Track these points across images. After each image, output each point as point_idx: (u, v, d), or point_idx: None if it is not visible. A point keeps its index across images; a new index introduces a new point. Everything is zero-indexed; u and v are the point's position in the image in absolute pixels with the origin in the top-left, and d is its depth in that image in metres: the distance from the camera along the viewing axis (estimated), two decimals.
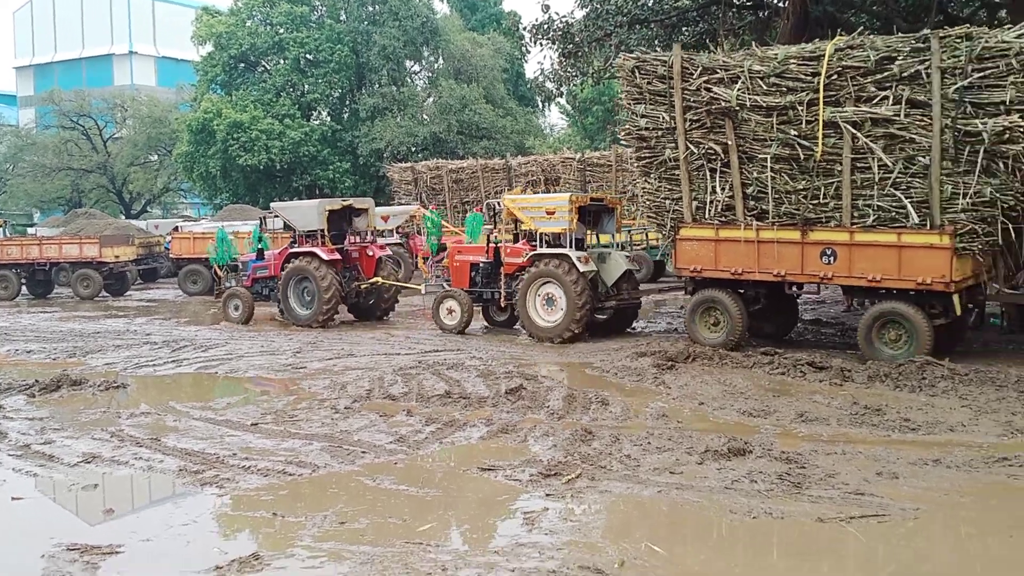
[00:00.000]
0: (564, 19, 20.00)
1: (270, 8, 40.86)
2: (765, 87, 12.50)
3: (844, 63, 11.87)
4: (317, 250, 17.98)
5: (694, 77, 13.08)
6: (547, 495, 6.84)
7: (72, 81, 65.43)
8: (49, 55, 77.97)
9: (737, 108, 12.67)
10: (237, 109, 38.08)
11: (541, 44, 20.38)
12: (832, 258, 12.38)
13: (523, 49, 21.96)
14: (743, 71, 12.63)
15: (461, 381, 11.45)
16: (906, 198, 11.72)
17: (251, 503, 6.90)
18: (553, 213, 15.32)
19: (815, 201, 12.44)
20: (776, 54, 12.51)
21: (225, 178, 39.83)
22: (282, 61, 40.71)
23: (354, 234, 19.18)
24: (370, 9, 41.05)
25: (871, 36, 12.11)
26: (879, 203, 11.95)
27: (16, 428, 9.38)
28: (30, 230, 42.97)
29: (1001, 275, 12.47)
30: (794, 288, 13.51)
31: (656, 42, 19.92)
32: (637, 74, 13.65)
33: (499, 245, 16.62)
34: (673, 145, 13.43)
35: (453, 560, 5.64)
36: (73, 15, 76.86)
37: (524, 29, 20.77)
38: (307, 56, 40.46)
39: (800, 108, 12.20)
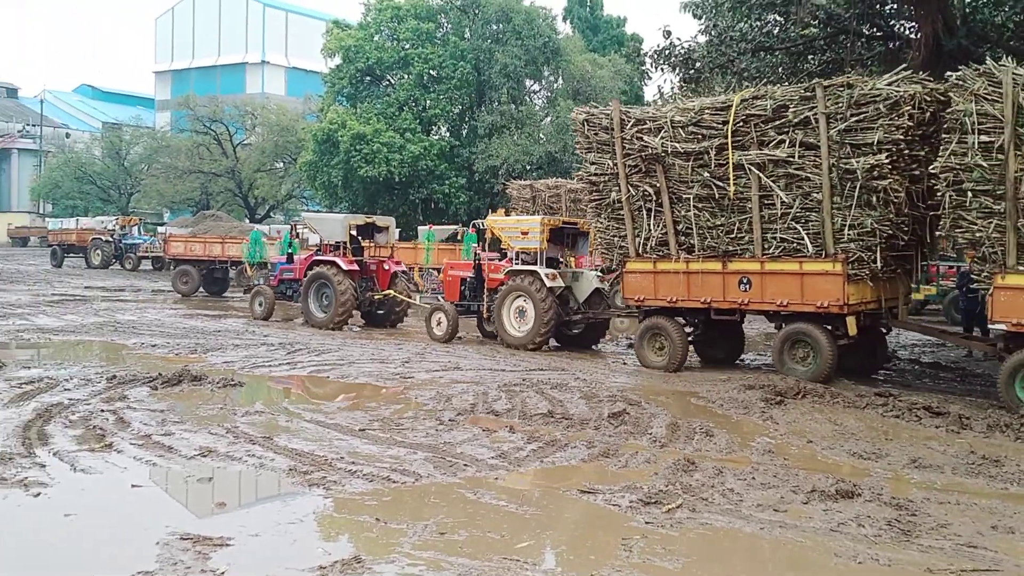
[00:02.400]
0: (686, 44, 19.89)
1: (398, 24, 41.85)
2: (684, 135, 14.07)
3: (748, 112, 13.38)
4: (338, 259, 19.79)
5: (628, 128, 14.67)
6: (647, 523, 6.79)
7: (207, 87, 68.36)
8: (186, 61, 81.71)
9: (664, 154, 14.20)
10: (361, 121, 39.05)
11: (662, 69, 20.29)
12: (748, 286, 13.87)
13: (643, 73, 21.89)
14: (667, 121, 14.20)
15: (564, 401, 11.47)
16: (804, 230, 13.20)
17: (355, 507, 7.07)
18: (527, 233, 17.01)
19: (731, 235, 13.95)
20: (693, 106, 14.15)
21: (346, 188, 40.83)
22: (406, 76, 41.57)
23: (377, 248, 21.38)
24: (494, 28, 41.64)
25: (771, 87, 13.74)
26: (782, 236, 13.45)
27: (138, 418, 9.83)
28: (160, 229, 44.95)
29: (901, 301, 14.03)
30: (737, 315, 14.65)
31: (780, 70, 19.62)
32: (587, 126, 15.35)
33: (483, 262, 18.29)
34: (617, 188, 15.01)
35: None
36: (210, 24, 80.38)
37: (645, 54, 20.72)
38: (430, 72, 41.24)
39: (713, 153, 13.76)
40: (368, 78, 42.67)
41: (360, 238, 21.14)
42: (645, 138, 14.44)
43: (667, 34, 19.66)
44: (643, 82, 45.95)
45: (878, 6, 18.43)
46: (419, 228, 31.54)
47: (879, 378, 14.71)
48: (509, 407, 11.03)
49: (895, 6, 18.74)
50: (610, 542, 6.46)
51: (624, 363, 15.70)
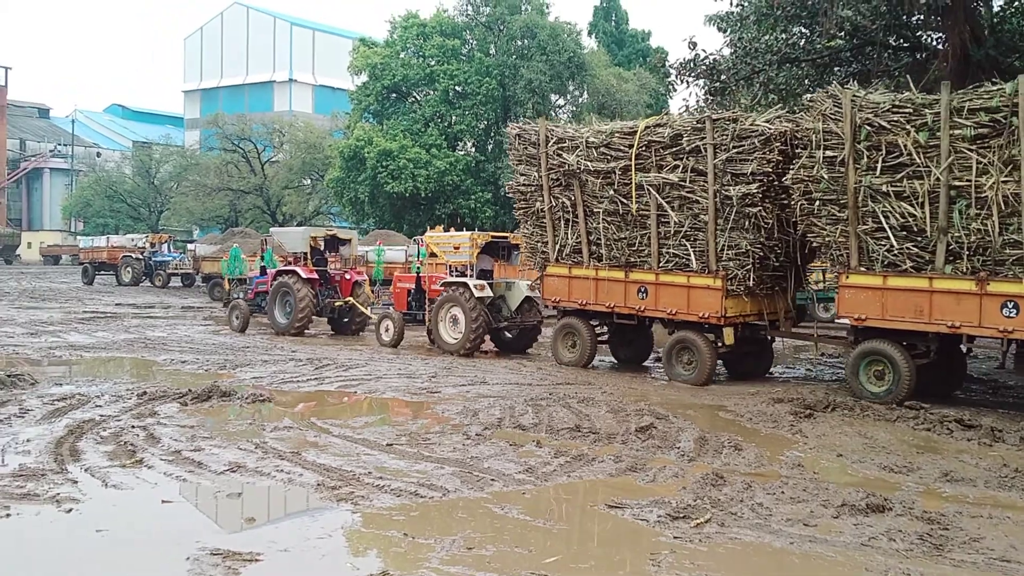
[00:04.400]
0: (711, 56, 19.86)
1: (423, 41, 42.11)
2: (597, 155, 15.41)
3: (650, 138, 14.69)
4: (298, 269, 21.09)
5: (551, 144, 16.02)
6: (675, 538, 6.76)
7: (235, 106, 69.00)
8: (215, 80, 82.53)
9: (578, 171, 15.56)
10: (387, 138, 39.27)
11: (687, 81, 20.27)
12: (645, 294, 15.25)
13: (669, 86, 21.92)
14: (583, 141, 15.56)
15: (591, 415, 11.45)
16: (692, 248, 14.57)
17: (383, 522, 7.09)
18: (459, 248, 18.42)
19: (633, 248, 15.35)
20: (605, 129, 15.56)
21: (373, 204, 41.04)
22: (432, 92, 41.79)
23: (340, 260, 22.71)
24: (519, 43, 41.76)
25: (672, 116, 15.23)
26: (675, 251, 14.84)
27: (169, 434, 9.91)
28: (189, 246, 45.35)
29: (781, 314, 15.09)
30: (635, 320, 15.72)
31: (806, 81, 19.52)
32: (518, 141, 16.79)
33: (423, 275, 20.08)
34: (541, 199, 16.43)
35: None
36: (238, 43, 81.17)
37: (670, 66, 20.72)
38: (456, 88, 41.43)
39: (619, 173, 15.09)
40: (394, 95, 42.92)
41: (325, 250, 22.51)
42: (564, 155, 15.81)
43: (692, 46, 19.65)
44: (669, 95, 45.96)
45: (904, 17, 18.28)
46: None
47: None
48: (536, 421, 11.02)
49: (922, 17, 18.60)
50: (638, 557, 6.44)
51: (654, 377, 15.64)
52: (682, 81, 19.98)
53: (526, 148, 16.63)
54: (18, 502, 7.31)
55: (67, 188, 78.98)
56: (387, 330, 19.46)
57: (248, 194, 54.33)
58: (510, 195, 17.73)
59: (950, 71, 15.72)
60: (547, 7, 43.41)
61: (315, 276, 21.28)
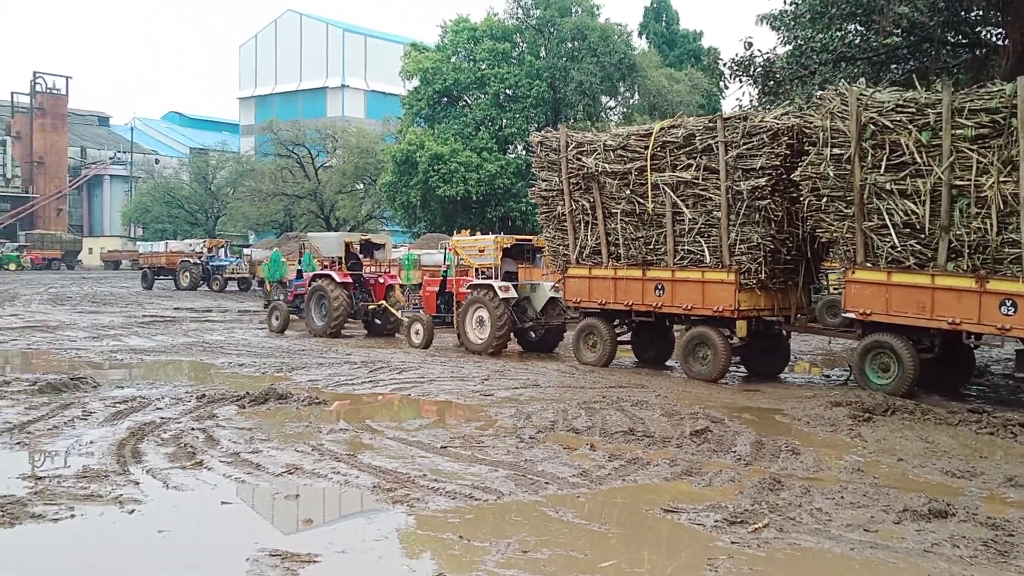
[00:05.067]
0: (766, 56, 19.63)
1: (474, 45, 42.29)
2: (614, 157, 15.88)
3: (665, 139, 15.09)
4: (332, 273, 21.96)
5: (570, 149, 16.53)
6: (733, 543, 6.69)
7: (289, 112, 70.04)
8: (269, 87, 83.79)
9: (597, 173, 16.01)
10: (439, 142, 39.50)
11: (740, 81, 20.06)
12: (662, 291, 15.62)
13: (721, 85, 21.74)
14: (600, 144, 16.05)
15: (645, 419, 11.37)
16: (706, 244, 14.91)
17: (438, 524, 7.11)
18: (483, 251, 18.86)
19: (650, 246, 15.74)
20: (622, 132, 16.06)
21: (424, 208, 41.29)
22: (483, 96, 41.96)
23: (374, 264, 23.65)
24: (569, 46, 41.74)
25: (688, 118, 15.33)
26: (689, 248, 15.19)
27: (227, 436, 10.06)
28: (245, 251, 46.03)
29: (794, 310, 15.33)
30: (666, 319, 16.24)
31: (863, 80, 19.22)
32: (540, 147, 17.33)
33: (449, 278, 20.50)
34: (562, 203, 16.91)
35: None
36: (292, 50, 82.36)
37: (723, 66, 20.52)
38: (507, 91, 41.54)
39: (635, 174, 15.54)
40: (445, 99, 43.16)
41: (360, 254, 23.29)
42: (583, 158, 16.29)
43: (748, 45, 19.45)
44: (721, 95, 45.59)
45: (963, 13, 17.92)
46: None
47: (971, 394, 14.28)
48: (589, 424, 10.98)
49: (981, 12, 18.21)
50: (696, 562, 6.38)
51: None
52: (735, 79, 19.78)
53: (548, 155, 17.10)
54: (82, 503, 7.47)
55: (126, 194, 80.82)
56: (417, 333, 19.94)
57: (302, 199, 54.99)
58: (533, 200, 18.10)
59: (1010, 67, 15.38)
60: (597, 9, 43.38)
61: (349, 280, 22.05)
